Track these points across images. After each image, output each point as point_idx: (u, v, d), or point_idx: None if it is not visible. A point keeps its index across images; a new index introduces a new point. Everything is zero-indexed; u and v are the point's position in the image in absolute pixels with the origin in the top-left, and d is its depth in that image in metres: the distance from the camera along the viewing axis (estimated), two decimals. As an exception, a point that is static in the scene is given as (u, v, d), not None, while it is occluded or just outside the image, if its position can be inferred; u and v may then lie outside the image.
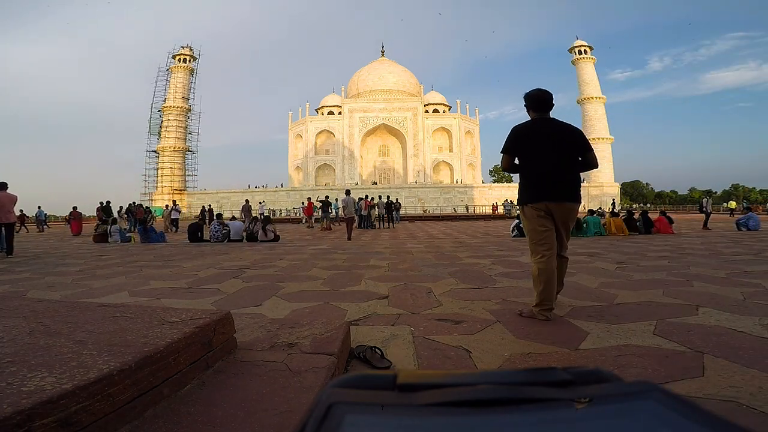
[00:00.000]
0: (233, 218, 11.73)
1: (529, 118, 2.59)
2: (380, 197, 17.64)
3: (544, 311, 2.35)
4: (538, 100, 2.53)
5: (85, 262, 5.86)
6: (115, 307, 1.74)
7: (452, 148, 49.68)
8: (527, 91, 2.58)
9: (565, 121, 2.56)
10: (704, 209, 13.34)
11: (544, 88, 2.56)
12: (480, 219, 26.87)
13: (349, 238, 10.08)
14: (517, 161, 2.56)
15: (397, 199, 19.87)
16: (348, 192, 11.42)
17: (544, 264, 2.38)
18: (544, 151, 2.44)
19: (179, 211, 17.92)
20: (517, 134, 2.51)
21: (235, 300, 3.08)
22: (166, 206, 19.25)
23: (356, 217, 12.21)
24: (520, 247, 6.61)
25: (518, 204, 2.60)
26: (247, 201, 17.65)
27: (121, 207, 18.06)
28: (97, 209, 16.13)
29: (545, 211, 2.44)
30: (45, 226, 21.02)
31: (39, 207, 21.85)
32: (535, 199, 2.45)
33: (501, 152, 2.57)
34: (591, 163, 2.52)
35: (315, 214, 20.46)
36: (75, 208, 16.63)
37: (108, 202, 16.35)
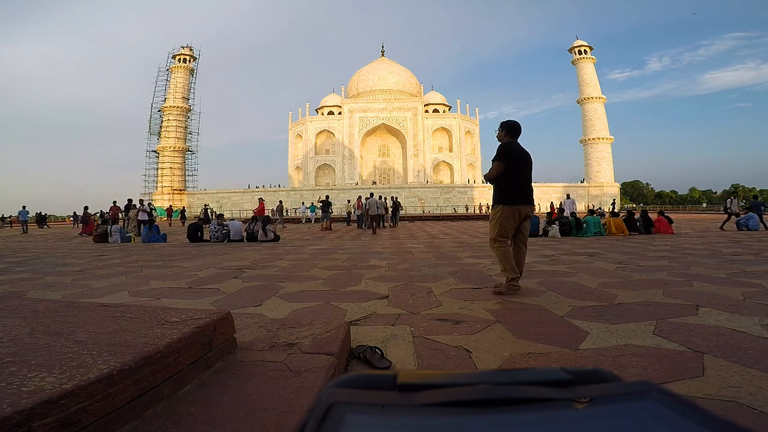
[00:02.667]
0: (232, 219, 11.73)
1: (502, 141, 3.32)
2: (380, 197, 17.61)
3: (515, 284, 3.11)
4: (516, 129, 3.32)
5: (85, 262, 5.86)
6: (115, 307, 1.74)
7: (452, 148, 49.71)
8: (505, 120, 3.34)
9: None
10: (728, 209, 12.04)
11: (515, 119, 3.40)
12: (480, 219, 26.90)
13: (374, 232, 12.82)
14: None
15: (397, 199, 20.05)
16: (372, 195, 14.22)
17: (506, 248, 3.19)
18: (522, 168, 3.24)
19: (148, 212, 14.00)
20: (509, 150, 3.21)
21: (235, 300, 3.09)
22: (134, 206, 14.98)
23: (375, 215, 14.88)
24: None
25: (498, 204, 3.23)
26: (280, 201, 17.52)
27: (136, 203, 17.54)
28: (111, 208, 15.61)
29: (517, 212, 3.18)
30: (44, 227, 20.54)
31: (23, 207, 19.48)
32: (516, 202, 3.19)
33: (497, 160, 3.20)
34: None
35: (316, 214, 20.35)
36: (86, 208, 16.57)
37: (130, 201, 15.58)
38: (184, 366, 1.30)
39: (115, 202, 15.83)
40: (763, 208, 11.70)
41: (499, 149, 3.21)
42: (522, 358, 1.80)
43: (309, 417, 0.23)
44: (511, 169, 3.18)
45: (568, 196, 16.27)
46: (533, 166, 3.36)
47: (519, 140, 3.35)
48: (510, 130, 3.30)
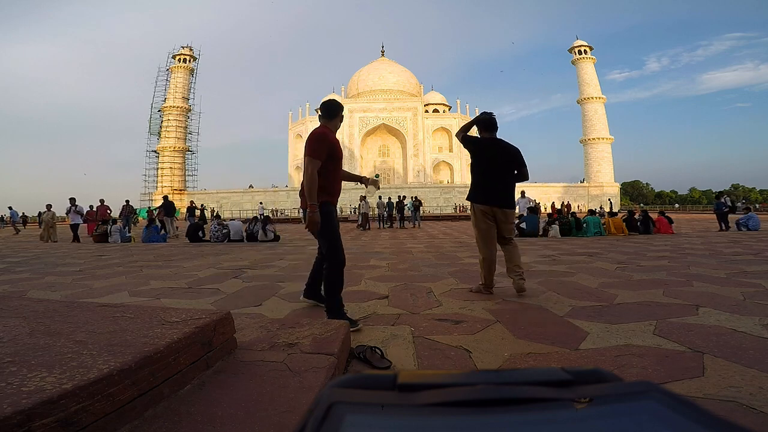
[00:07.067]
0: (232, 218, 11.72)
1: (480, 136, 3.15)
2: (380, 197, 17.63)
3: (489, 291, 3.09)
4: (490, 124, 3.09)
5: (85, 262, 5.86)
6: (115, 307, 1.74)
7: (452, 148, 49.65)
8: (479, 115, 3.15)
9: (508, 142, 3.13)
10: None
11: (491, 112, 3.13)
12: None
13: (368, 228, 15.78)
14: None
15: (416, 197, 18.82)
16: (364, 198, 15.69)
17: (486, 253, 3.11)
18: (493, 165, 3.03)
19: (82, 214, 11.42)
20: (480, 143, 3.09)
21: (235, 300, 3.08)
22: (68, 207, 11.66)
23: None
24: (520, 248, 6.60)
25: (471, 201, 3.12)
26: (363, 197, 16.77)
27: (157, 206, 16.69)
28: (124, 206, 14.62)
29: (491, 214, 3.03)
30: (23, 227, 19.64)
31: (10, 207, 19.14)
32: (483, 201, 3.03)
33: (465, 145, 3.15)
34: (524, 175, 3.14)
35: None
36: (91, 207, 16.31)
37: (166, 197, 14.67)
38: (184, 366, 1.30)
39: (127, 201, 14.90)
40: (725, 208, 11.93)
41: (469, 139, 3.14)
42: (522, 358, 1.80)
43: (309, 417, 0.23)
44: (478, 165, 3.06)
45: (522, 194, 12.70)
46: (529, 166, 3.15)
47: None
48: (485, 124, 3.10)
